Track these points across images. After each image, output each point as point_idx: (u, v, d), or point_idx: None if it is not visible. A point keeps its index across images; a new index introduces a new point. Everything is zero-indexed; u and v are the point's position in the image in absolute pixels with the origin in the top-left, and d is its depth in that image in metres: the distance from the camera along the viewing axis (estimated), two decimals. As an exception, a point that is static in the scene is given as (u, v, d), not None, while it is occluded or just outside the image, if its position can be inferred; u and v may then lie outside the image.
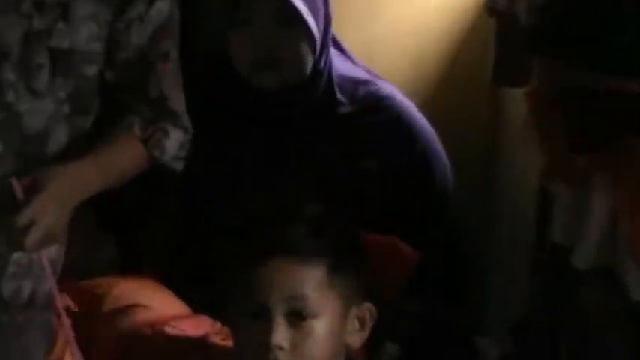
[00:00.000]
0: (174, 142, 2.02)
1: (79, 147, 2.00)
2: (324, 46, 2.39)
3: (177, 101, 2.04)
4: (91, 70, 1.95)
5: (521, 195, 2.71)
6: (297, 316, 1.67)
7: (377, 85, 2.51)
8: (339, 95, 2.44)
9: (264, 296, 1.67)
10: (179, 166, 2.04)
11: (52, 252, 1.97)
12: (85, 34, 1.92)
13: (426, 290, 2.31)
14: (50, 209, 1.85)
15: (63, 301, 2.12)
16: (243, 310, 1.70)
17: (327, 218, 1.86)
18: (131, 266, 2.41)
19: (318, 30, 2.36)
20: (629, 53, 1.90)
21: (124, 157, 1.97)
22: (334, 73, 2.44)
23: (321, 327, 1.69)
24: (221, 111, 2.41)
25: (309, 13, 2.33)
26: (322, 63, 2.40)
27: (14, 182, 1.87)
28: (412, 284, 2.27)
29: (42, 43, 1.88)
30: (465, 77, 2.98)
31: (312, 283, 1.70)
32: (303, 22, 2.31)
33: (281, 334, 1.62)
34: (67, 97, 1.93)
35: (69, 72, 1.93)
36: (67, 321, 2.13)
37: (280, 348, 1.62)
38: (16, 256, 1.97)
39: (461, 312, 2.45)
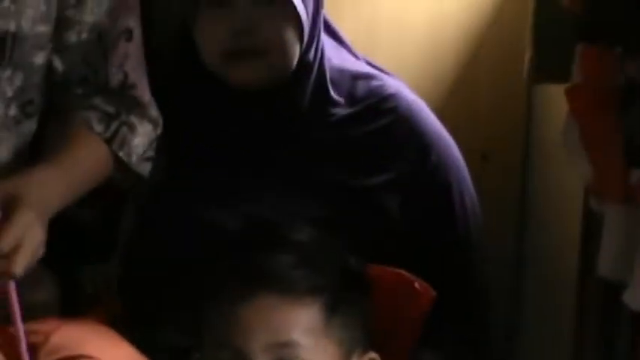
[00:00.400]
0: (143, 138, 1.89)
1: (22, 159, 1.89)
2: (315, 32, 2.17)
3: (143, 88, 1.91)
4: (39, 58, 1.83)
5: (560, 219, 2.54)
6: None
7: (381, 80, 2.25)
8: (333, 94, 2.18)
9: (244, 342, 1.51)
10: (146, 169, 1.91)
11: None
12: (32, 13, 1.80)
13: (444, 338, 2.07)
14: (36, 225, 1.69)
15: None
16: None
17: (323, 246, 1.68)
18: (74, 307, 2.16)
19: (307, 13, 2.14)
20: None
21: (87, 160, 1.83)
22: (327, 67, 2.19)
23: None
24: (187, 111, 2.18)
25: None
26: (312, 53, 2.17)
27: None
28: (427, 330, 2.00)
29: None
30: (491, 72, 2.77)
31: (303, 327, 1.55)
32: (289, 2, 2.10)
33: None
34: (14, 96, 1.79)
35: (17, 62, 1.81)
36: None
37: None
38: None
39: None
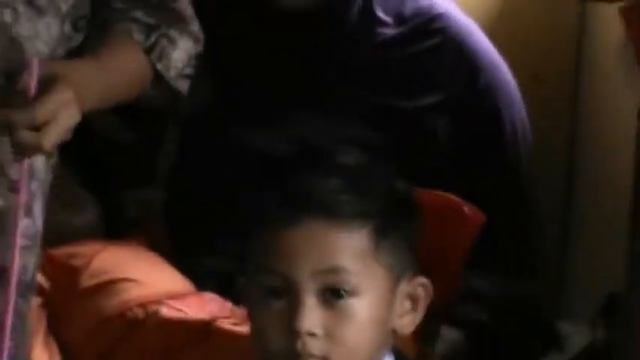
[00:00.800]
0: (182, 52, 1.81)
1: None
2: None
3: (185, 2, 1.83)
4: None
5: (614, 142, 2.43)
6: (333, 295, 1.39)
7: (435, 7, 2.24)
8: (380, 14, 2.20)
9: (290, 268, 1.40)
10: (184, 86, 1.82)
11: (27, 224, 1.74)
12: None
13: (494, 262, 2.08)
14: (73, 105, 1.62)
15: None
16: (264, 286, 1.43)
17: (371, 169, 1.53)
18: (116, 231, 2.18)
19: None
20: None
21: (125, 62, 1.77)
22: None
23: (363, 308, 1.41)
24: (231, 42, 2.18)
25: None
26: None
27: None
28: (477, 254, 1.97)
29: None
30: None
31: (352, 252, 1.42)
32: None
33: (312, 318, 1.37)
34: (67, 12, 1.73)
35: None
36: (35, 300, 1.89)
37: (311, 335, 1.37)
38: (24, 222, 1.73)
39: (537, 289, 2.21)
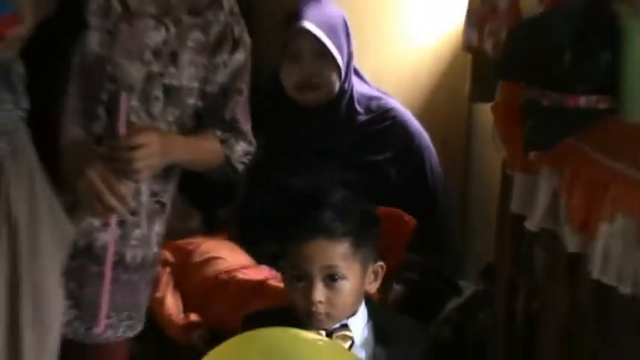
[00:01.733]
0: (241, 149, 2.01)
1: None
2: (348, 74, 2.46)
3: (245, 123, 2.03)
4: (191, 101, 1.93)
5: (490, 178, 2.63)
6: (331, 279, 1.72)
7: (385, 100, 2.57)
8: (357, 107, 2.52)
9: (308, 265, 1.72)
10: (241, 167, 2.02)
11: (158, 227, 1.96)
12: (188, 75, 1.91)
13: (422, 246, 2.37)
14: (158, 150, 1.77)
15: (163, 255, 2.19)
16: (293, 274, 1.75)
17: (350, 202, 1.86)
18: (211, 231, 2.49)
19: (343, 62, 2.42)
20: (566, 78, 1.72)
21: (205, 144, 1.95)
22: (355, 93, 2.51)
23: (347, 286, 1.73)
24: (275, 124, 2.47)
25: (336, 50, 2.39)
26: (346, 86, 2.45)
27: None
28: (412, 242, 2.33)
29: (158, 81, 1.87)
30: (448, 95, 2.97)
31: (341, 255, 1.74)
32: (333, 57, 2.37)
33: (320, 293, 1.70)
34: (174, 121, 1.91)
35: (176, 103, 1.92)
36: (166, 269, 2.29)
37: (319, 302, 1.70)
38: (137, 232, 1.91)
39: (447, 261, 2.50)
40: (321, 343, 1.60)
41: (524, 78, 1.88)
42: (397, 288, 2.23)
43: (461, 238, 2.81)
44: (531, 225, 1.89)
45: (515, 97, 1.92)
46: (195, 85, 1.92)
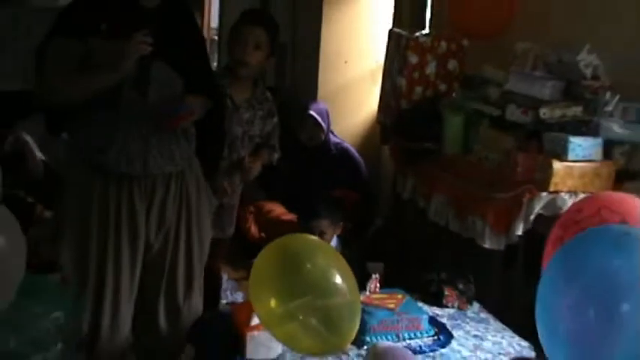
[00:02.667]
0: (275, 156, 3.27)
1: None
2: (327, 131, 4.03)
3: (277, 144, 3.23)
4: (256, 139, 3.23)
5: (388, 178, 4.22)
6: (321, 235, 2.94)
7: (344, 144, 4.13)
8: (332, 148, 4.08)
9: (313, 230, 2.98)
10: (275, 163, 3.20)
11: (234, 199, 3.29)
12: (257, 127, 3.22)
13: (359, 206, 3.91)
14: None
15: (250, 207, 3.67)
16: (307, 231, 2.84)
17: (332, 202, 3.18)
18: (270, 198, 3.98)
19: (326, 126, 4.00)
20: (420, 136, 3.41)
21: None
22: (331, 141, 4.05)
23: (328, 237, 3.03)
24: (295, 152, 3.89)
25: (323, 121, 3.97)
26: (327, 137, 4.05)
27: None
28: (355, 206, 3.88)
29: (247, 133, 3.17)
30: (371, 140, 4.47)
31: (327, 225, 3.12)
32: (320, 125, 3.98)
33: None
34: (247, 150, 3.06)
35: (251, 141, 3.23)
36: (251, 215, 3.72)
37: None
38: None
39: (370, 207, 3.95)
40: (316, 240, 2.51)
41: (404, 134, 3.51)
42: (349, 224, 3.75)
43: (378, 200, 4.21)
44: (405, 195, 3.52)
45: (399, 144, 3.55)
46: (259, 132, 3.25)
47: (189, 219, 2.69)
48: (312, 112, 3.92)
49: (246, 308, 2.61)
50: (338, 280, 2.24)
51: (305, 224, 3.20)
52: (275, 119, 3.34)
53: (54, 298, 2.31)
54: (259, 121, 3.25)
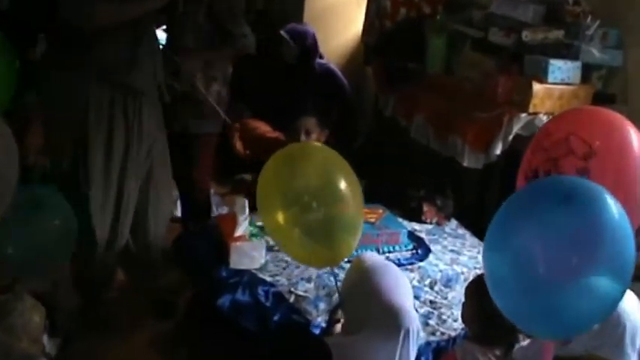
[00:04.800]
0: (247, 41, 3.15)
1: None
2: (308, 51, 4.00)
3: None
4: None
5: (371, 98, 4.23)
6: (307, 135, 3.17)
7: (329, 65, 4.14)
8: (316, 68, 4.09)
9: (299, 129, 3.16)
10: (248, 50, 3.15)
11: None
12: None
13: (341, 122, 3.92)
14: None
15: (236, 125, 3.68)
16: (294, 132, 3.11)
17: (319, 104, 3.30)
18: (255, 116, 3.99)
19: (300, 46, 3.96)
20: (403, 56, 3.44)
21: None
22: (315, 62, 4.07)
23: (314, 137, 3.15)
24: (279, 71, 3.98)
25: (293, 40, 3.93)
26: (309, 57, 4.04)
27: None
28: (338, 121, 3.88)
29: None
30: (355, 61, 4.53)
31: (313, 124, 3.26)
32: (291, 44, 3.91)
33: (303, 138, 3.07)
34: None
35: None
36: (237, 132, 3.76)
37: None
38: None
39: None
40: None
41: (387, 55, 3.57)
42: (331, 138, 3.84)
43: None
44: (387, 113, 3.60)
45: (383, 63, 3.59)
46: None
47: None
48: (282, 32, 3.96)
49: (231, 220, 2.71)
50: (341, 189, 2.21)
51: (290, 126, 3.24)
52: None
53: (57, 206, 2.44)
54: None
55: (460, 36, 3.33)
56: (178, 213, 3.47)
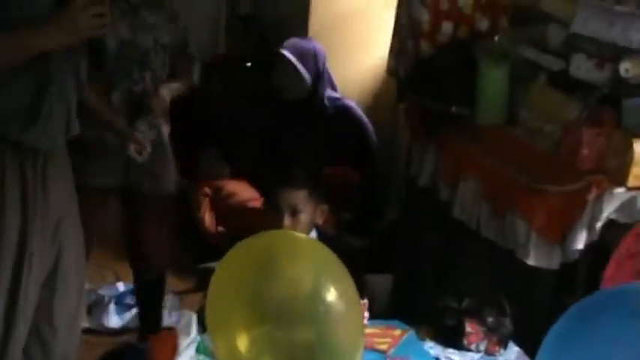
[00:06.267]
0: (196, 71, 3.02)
1: None
2: (319, 81, 3.52)
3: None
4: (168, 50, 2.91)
5: (399, 159, 3.83)
6: (294, 215, 2.46)
7: (345, 101, 3.64)
8: (327, 106, 3.60)
9: (281, 206, 2.45)
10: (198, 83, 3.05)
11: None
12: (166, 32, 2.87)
13: (361, 191, 3.54)
14: None
15: (205, 189, 3.28)
16: (275, 208, 2.47)
17: (314, 169, 2.66)
18: (235, 176, 3.54)
19: (311, 73, 3.50)
20: (445, 95, 2.93)
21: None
22: (326, 95, 3.58)
23: (304, 218, 2.48)
24: (272, 111, 3.55)
25: (304, 65, 3.45)
26: (317, 89, 3.55)
27: None
28: (356, 189, 3.48)
29: (158, 42, 2.84)
30: (385, 97, 3.98)
31: (302, 198, 2.49)
32: (298, 70, 3.44)
33: (287, 220, 2.43)
34: None
35: (165, 52, 2.90)
36: (206, 198, 3.34)
37: (286, 227, 2.39)
38: None
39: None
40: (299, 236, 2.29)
41: (421, 92, 3.06)
42: (346, 214, 3.36)
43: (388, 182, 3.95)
44: (421, 183, 3.17)
45: (416, 102, 3.14)
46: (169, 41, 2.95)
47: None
48: (284, 52, 3.43)
49: (169, 342, 2.34)
50: (323, 305, 1.89)
51: (270, 198, 2.69)
52: (183, 24, 2.99)
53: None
54: (166, 26, 2.92)
55: (529, 66, 2.91)
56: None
